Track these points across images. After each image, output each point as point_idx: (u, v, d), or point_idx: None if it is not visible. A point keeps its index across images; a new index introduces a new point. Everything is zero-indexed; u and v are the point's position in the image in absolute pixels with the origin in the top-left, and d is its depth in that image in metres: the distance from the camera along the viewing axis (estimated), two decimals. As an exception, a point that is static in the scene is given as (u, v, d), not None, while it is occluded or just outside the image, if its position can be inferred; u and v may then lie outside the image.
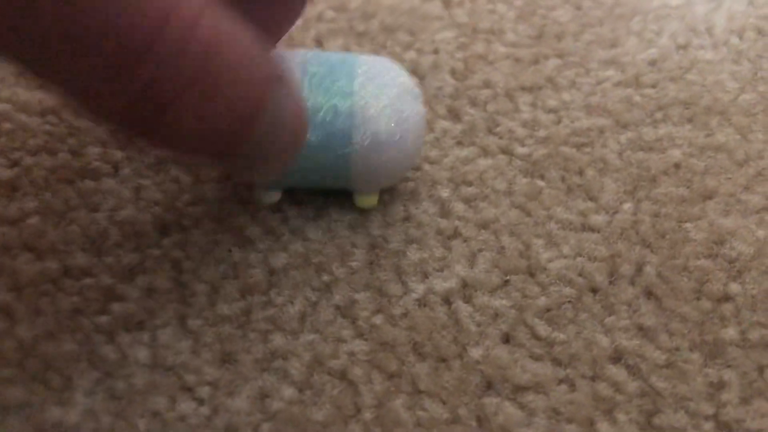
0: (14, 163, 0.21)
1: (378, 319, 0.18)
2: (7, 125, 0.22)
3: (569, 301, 0.19)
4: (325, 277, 0.19)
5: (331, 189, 0.20)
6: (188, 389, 0.17)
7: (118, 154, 0.21)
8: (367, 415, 0.17)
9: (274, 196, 0.20)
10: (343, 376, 0.18)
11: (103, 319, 0.18)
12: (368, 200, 0.20)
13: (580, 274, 0.19)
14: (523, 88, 0.24)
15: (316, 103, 0.18)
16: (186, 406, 0.17)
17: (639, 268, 0.20)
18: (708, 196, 0.21)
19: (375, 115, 0.18)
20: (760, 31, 0.26)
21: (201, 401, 0.17)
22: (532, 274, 0.19)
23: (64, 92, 0.14)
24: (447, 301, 0.19)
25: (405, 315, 0.19)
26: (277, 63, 0.16)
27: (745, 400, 0.17)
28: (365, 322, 0.18)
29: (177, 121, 0.14)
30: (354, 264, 0.19)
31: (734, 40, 0.26)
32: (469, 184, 0.21)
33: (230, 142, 0.15)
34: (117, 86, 0.13)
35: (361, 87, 0.19)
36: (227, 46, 0.14)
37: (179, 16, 0.13)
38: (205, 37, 0.13)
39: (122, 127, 0.14)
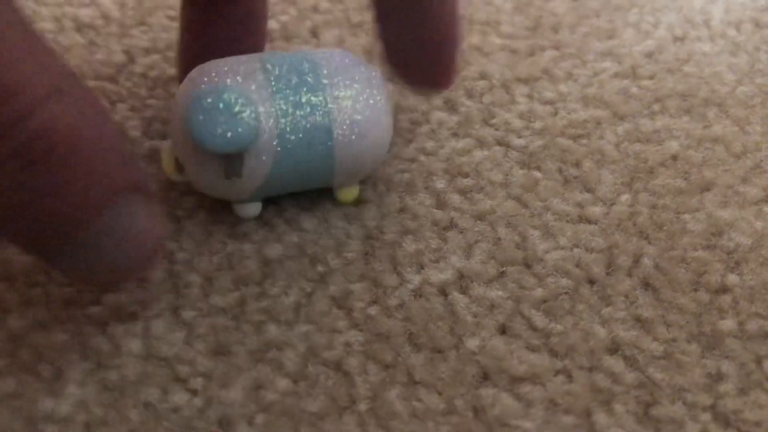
0: (6, 154, 0.21)
1: (373, 310, 0.18)
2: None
3: (566, 293, 0.19)
4: (320, 268, 0.19)
5: (312, 189, 0.20)
6: (181, 380, 0.17)
7: (111, 145, 0.21)
8: (362, 406, 0.17)
9: (254, 209, 0.20)
10: (338, 367, 0.17)
11: (96, 309, 0.18)
12: (350, 193, 0.20)
13: (577, 266, 0.19)
14: (520, 80, 0.24)
15: (288, 101, 0.18)
16: (179, 397, 0.17)
17: (636, 260, 0.19)
18: (706, 187, 0.21)
19: (351, 104, 0.18)
20: (757, 24, 0.26)
21: (194, 392, 0.17)
22: (528, 266, 0.19)
23: None
24: (443, 292, 0.19)
25: (401, 306, 0.18)
26: (137, 172, 0.15)
27: (742, 391, 0.17)
28: (360, 313, 0.18)
29: None
30: (349, 255, 0.19)
31: (732, 32, 0.26)
32: (465, 175, 0.21)
33: (48, 241, 0.14)
34: None
35: (329, 79, 0.18)
36: (64, 142, 0.13)
37: (16, 101, 0.13)
38: (38, 126, 0.13)
39: None
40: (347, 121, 0.18)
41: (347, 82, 0.18)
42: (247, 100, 0.17)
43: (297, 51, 0.19)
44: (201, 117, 0.17)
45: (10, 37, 0.13)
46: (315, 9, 0.26)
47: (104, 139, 0.14)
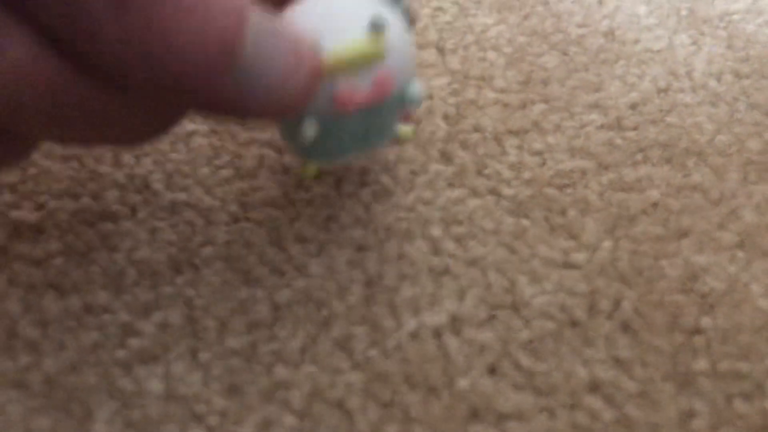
0: (40, 207, 0.23)
1: (373, 352, 0.20)
2: (32, 170, 0.24)
3: (550, 335, 0.20)
4: (325, 312, 0.21)
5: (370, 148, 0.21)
6: (198, 418, 0.19)
7: (136, 198, 0.23)
8: (362, 441, 0.18)
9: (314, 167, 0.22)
10: (340, 405, 0.19)
11: (121, 353, 0.20)
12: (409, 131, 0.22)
13: (561, 309, 0.21)
14: (511, 132, 0.25)
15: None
16: (196, 433, 0.19)
17: (616, 303, 0.21)
18: (683, 234, 0.23)
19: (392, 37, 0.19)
20: (737, 74, 0.28)
21: (210, 429, 0.19)
22: (516, 309, 0.21)
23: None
24: (437, 334, 0.20)
25: (398, 348, 0.20)
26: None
27: (713, 427, 0.19)
28: (361, 355, 0.20)
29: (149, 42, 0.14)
30: (351, 299, 0.21)
31: (713, 83, 0.27)
32: (460, 223, 0.23)
33: (199, 72, 0.15)
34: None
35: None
36: None
37: None
38: None
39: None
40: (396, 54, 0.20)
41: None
42: None
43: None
44: None
45: None
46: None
47: None
